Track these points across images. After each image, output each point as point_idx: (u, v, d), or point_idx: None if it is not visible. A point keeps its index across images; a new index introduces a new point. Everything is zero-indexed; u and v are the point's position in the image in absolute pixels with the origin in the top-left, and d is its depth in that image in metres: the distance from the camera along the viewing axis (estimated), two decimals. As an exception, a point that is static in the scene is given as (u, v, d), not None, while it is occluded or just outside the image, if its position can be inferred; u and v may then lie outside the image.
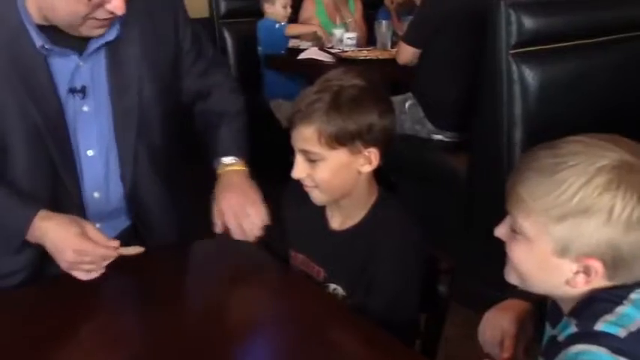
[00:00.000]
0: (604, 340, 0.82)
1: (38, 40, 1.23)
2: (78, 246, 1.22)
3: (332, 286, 1.31)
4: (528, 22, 2.33)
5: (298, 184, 1.30)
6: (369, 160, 1.24)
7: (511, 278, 0.96)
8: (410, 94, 2.99)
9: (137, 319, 1.25)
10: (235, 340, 1.16)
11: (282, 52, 3.73)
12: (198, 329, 1.15)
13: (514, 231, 0.91)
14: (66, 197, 1.34)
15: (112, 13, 1.20)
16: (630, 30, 2.64)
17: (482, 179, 2.54)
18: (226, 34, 4.10)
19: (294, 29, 3.78)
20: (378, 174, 1.31)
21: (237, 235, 1.36)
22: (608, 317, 0.84)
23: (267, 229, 1.38)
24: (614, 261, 0.85)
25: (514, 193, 0.90)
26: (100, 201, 1.39)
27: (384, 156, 1.26)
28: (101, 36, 1.28)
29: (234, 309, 1.27)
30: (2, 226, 1.30)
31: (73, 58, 1.29)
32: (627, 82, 2.60)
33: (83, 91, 1.30)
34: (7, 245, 1.33)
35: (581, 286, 0.88)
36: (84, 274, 1.25)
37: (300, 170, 1.26)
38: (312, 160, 1.24)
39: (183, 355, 1.07)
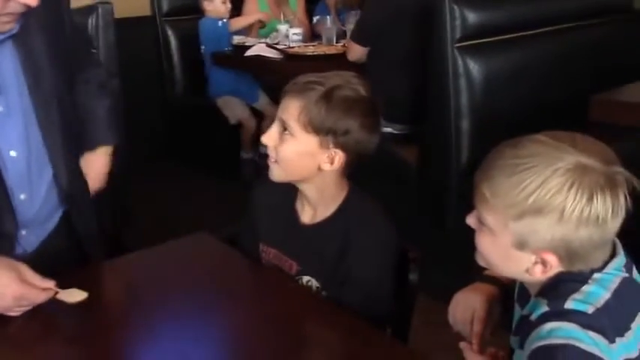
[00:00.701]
0: (573, 316, 0.89)
1: None
2: (18, 292, 1.18)
3: (305, 278, 1.34)
4: (472, 17, 2.41)
5: (266, 177, 1.33)
6: (331, 159, 1.28)
7: (480, 262, 1.03)
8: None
9: (111, 321, 1.25)
10: (212, 338, 1.18)
11: (227, 49, 3.72)
12: (173, 330, 1.16)
13: (480, 222, 0.97)
14: None
15: (25, 5, 1.16)
16: (569, 21, 2.77)
17: (432, 169, 2.61)
18: (169, 33, 4.04)
19: (237, 23, 3.78)
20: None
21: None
22: (576, 296, 0.91)
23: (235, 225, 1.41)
24: (567, 254, 0.92)
25: (479, 189, 0.96)
26: (26, 203, 1.35)
27: (351, 165, 1.31)
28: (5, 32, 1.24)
29: (209, 308, 1.28)
30: None
31: None
32: (567, 70, 2.72)
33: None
34: None
35: (540, 275, 0.95)
36: (17, 313, 1.21)
37: (270, 136, 1.30)
38: (284, 132, 1.28)
39: (159, 356, 1.08)
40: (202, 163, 3.88)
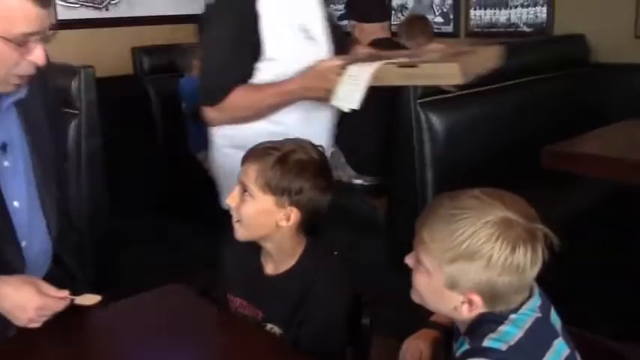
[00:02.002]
0: (489, 353, 1.03)
1: None
2: (39, 303, 1.33)
3: (269, 325, 1.46)
4: (432, 75, 2.59)
5: (231, 233, 1.46)
6: (287, 216, 1.42)
7: (415, 298, 1.16)
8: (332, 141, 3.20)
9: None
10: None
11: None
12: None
13: (418, 262, 1.10)
14: (7, 247, 1.42)
15: (34, 64, 1.30)
16: (526, 74, 2.96)
17: (399, 217, 2.75)
18: (150, 90, 4.21)
19: None
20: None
21: None
22: (493, 335, 1.05)
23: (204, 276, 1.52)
24: (490, 296, 1.06)
25: (419, 234, 1.10)
26: (26, 249, 1.47)
27: (306, 221, 1.44)
28: (12, 94, 1.38)
29: (179, 352, 1.38)
30: None
31: None
32: (524, 121, 2.90)
33: (4, 147, 1.40)
34: None
35: (466, 314, 1.09)
36: (39, 324, 1.35)
37: (232, 198, 1.44)
38: (244, 193, 1.42)
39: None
40: (183, 214, 3.99)
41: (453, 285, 1.06)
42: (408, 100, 2.60)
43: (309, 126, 1.89)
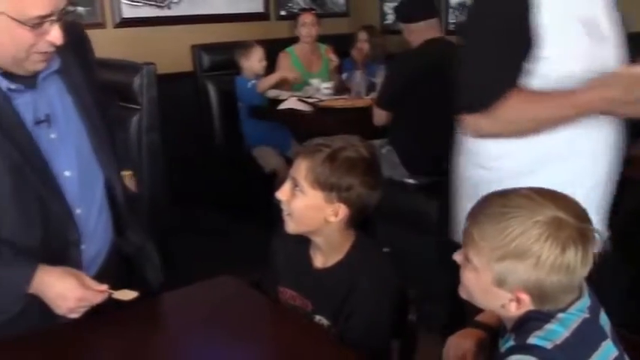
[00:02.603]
0: (534, 350, 1.03)
1: (3, 83, 1.37)
2: (80, 294, 1.40)
3: (317, 317, 1.50)
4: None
5: (283, 226, 1.50)
6: (336, 212, 1.44)
7: (463, 295, 1.17)
8: (386, 140, 3.21)
9: (140, 349, 1.41)
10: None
11: (260, 104, 3.93)
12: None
13: (466, 259, 1.11)
14: (55, 216, 1.47)
15: (52, 44, 1.36)
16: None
17: (451, 216, 2.73)
18: (209, 87, 4.31)
19: (263, 84, 3.92)
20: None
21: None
22: (539, 333, 1.05)
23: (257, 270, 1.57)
24: (539, 295, 1.06)
25: (468, 232, 1.11)
26: (83, 217, 1.53)
27: (355, 218, 1.46)
28: (46, 68, 1.44)
29: (230, 342, 1.43)
30: (2, 283, 1.42)
31: (30, 93, 1.42)
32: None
33: (48, 120, 1.45)
34: (5, 297, 1.45)
35: (514, 311, 1.09)
36: (78, 314, 1.43)
37: (283, 192, 1.48)
38: (295, 188, 1.45)
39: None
40: (238, 209, 4.07)
41: (501, 283, 1.07)
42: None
43: (589, 147, 1.61)
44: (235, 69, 4.02)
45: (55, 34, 1.35)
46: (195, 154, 4.26)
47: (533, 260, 1.03)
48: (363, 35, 4.42)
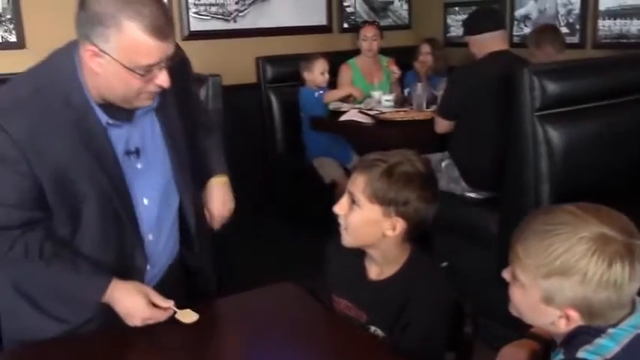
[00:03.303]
0: None
1: (103, 117, 1.46)
2: (147, 315, 1.49)
3: (372, 328, 1.52)
4: (550, 87, 2.54)
5: (339, 237, 1.52)
6: (393, 226, 1.46)
7: (513, 312, 1.17)
8: (447, 154, 3.20)
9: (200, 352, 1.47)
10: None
11: (322, 115, 3.98)
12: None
13: (514, 277, 1.11)
14: (129, 241, 1.57)
15: (159, 86, 1.44)
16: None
17: (511, 231, 2.70)
18: (272, 98, 4.40)
19: (330, 97, 4.01)
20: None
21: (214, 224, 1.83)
22: (588, 347, 1.05)
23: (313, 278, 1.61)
24: (588, 312, 1.06)
25: (514, 249, 1.12)
26: (153, 243, 1.62)
27: (412, 231, 1.48)
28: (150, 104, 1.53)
29: (286, 348, 1.47)
30: (77, 292, 1.54)
31: (126, 127, 1.51)
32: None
33: (137, 152, 1.54)
34: (78, 306, 1.56)
35: (564, 328, 1.09)
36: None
37: (340, 206, 1.51)
38: (353, 203, 1.48)
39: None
40: (298, 218, 4.13)
41: (548, 300, 1.07)
42: (524, 112, 2.55)
43: None
44: (298, 81, 4.10)
45: (162, 78, 1.43)
46: (257, 164, 4.34)
47: (580, 277, 1.03)
48: (426, 48, 4.43)
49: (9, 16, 3.66)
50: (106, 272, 1.52)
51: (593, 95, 2.65)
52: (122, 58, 1.36)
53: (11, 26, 3.67)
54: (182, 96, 1.65)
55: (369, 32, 4.30)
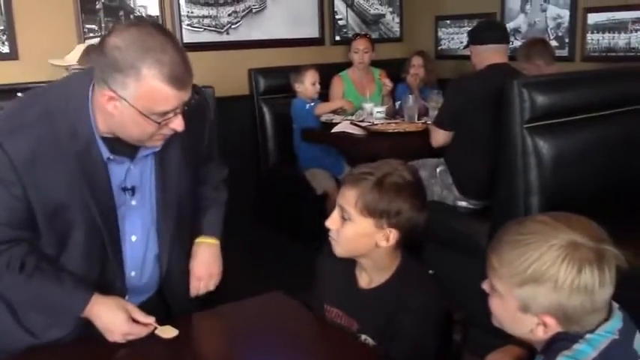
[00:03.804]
0: None
1: (105, 152, 1.46)
2: (126, 331, 1.49)
3: (363, 336, 1.53)
4: (540, 99, 2.57)
5: (330, 245, 1.54)
6: (387, 237, 1.48)
7: (495, 322, 1.20)
8: (442, 160, 3.23)
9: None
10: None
11: (314, 126, 4.00)
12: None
13: (492, 287, 1.13)
14: (111, 275, 1.57)
15: (173, 130, 1.44)
16: (633, 103, 2.85)
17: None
18: (265, 109, 4.42)
19: (321, 109, 4.02)
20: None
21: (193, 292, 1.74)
22: (566, 352, 1.07)
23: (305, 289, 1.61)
24: (564, 318, 1.08)
25: (489, 259, 1.15)
26: (135, 278, 1.63)
27: (404, 240, 1.49)
28: (150, 148, 1.52)
29: (277, 358, 1.48)
30: (58, 305, 1.52)
31: (126, 164, 1.51)
32: (633, 150, 2.79)
33: (133, 189, 1.54)
34: (56, 320, 1.55)
35: (542, 335, 1.11)
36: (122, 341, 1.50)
37: (332, 221, 1.52)
38: (344, 217, 1.48)
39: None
40: (289, 229, 4.14)
41: (525, 308, 1.10)
42: (514, 123, 2.58)
43: None
44: (291, 92, 4.12)
45: (177, 122, 1.42)
46: (250, 175, 4.35)
47: (552, 284, 1.06)
48: (417, 60, 4.46)
49: (2, 28, 3.67)
50: (88, 287, 1.52)
51: (582, 107, 2.68)
52: (139, 105, 1.36)
53: (4, 37, 3.68)
54: (193, 140, 1.63)
55: (360, 45, 4.34)
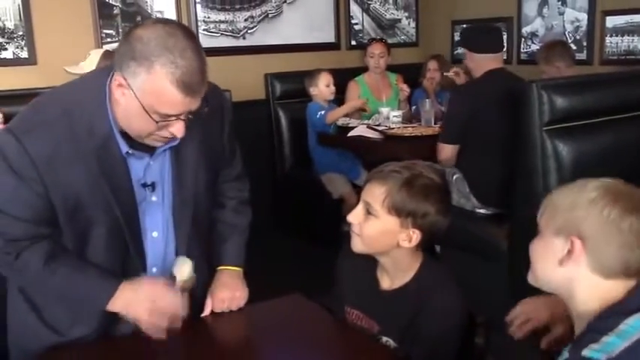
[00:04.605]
0: None
1: (124, 147, 1.45)
2: (154, 320, 1.46)
3: (384, 338, 1.51)
4: (559, 101, 2.55)
5: (350, 247, 1.52)
6: (410, 238, 1.47)
7: (530, 279, 1.25)
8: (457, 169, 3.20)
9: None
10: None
11: (329, 131, 3.98)
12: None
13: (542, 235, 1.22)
14: (133, 272, 1.55)
15: (172, 134, 1.42)
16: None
17: (521, 250, 2.69)
18: (281, 114, 4.42)
19: (332, 117, 3.93)
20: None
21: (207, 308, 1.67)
22: (594, 346, 1.07)
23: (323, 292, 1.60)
24: (593, 245, 1.14)
25: (539, 214, 1.28)
26: (156, 274, 1.61)
27: (425, 242, 1.48)
28: (165, 145, 1.51)
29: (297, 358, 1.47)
30: (85, 297, 1.52)
31: (146, 159, 1.50)
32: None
33: (153, 185, 1.54)
34: (81, 314, 1.55)
35: (569, 263, 1.15)
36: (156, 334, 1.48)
37: (355, 216, 1.50)
38: (368, 213, 1.47)
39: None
40: (306, 233, 4.13)
41: (560, 230, 1.18)
42: (533, 126, 2.56)
43: None
44: (307, 97, 4.11)
45: (177, 128, 1.41)
46: (266, 179, 4.35)
47: (595, 212, 1.13)
48: (433, 64, 4.44)
49: (21, 33, 3.70)
50: (114, 277, 1.51)
51: (602, 110, 2.66)
52: (144, 99, 1.35)
53: (23, 42, 3.72)
54: (212, 138, 1.62)
55: (376, 49, 4.33)
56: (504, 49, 3.33)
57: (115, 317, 1.52)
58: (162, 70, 1.31)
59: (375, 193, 1.46)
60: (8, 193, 1.42)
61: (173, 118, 1.38)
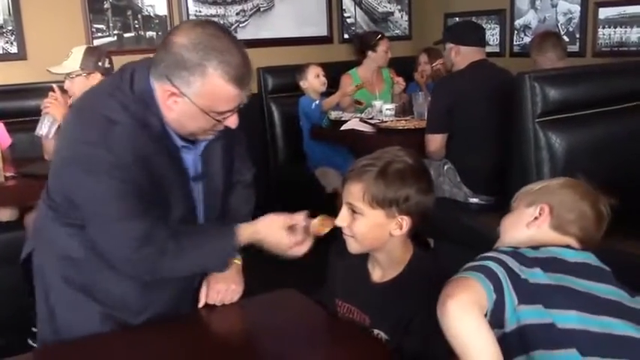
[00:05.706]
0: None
1: (179, 142, 1.50)
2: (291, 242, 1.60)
3: (376, 331, 1.50)
4: (552, 93, 2.54)
5: (342, 240, 1.51)
6: (400, 225, 1.46)
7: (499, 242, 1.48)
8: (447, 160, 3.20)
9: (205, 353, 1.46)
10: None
11: (322, 124, 3.98)
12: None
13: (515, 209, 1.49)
14: None
15: (228, 126, 1.47)
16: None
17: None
18: (273, 108, 4.41)
19: (328, 103, 3.98)
20: (415, 235, 1.52)
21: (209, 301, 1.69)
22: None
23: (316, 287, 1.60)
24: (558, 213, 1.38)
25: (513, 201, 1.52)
26: None
27: (417, 225, 1.48)
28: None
29: (289, 351, 1.45)
30: (213, 250, 1.57)
31: (195, 152, 1.56)
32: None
33: (202, 176, 1.59)
34: (216, 259, 1.59)
35: (538, 223, 1.38)
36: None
37: (342, 219, 1.49)
38: (354, 213, 1.47)
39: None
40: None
41: (532, 202, 1.42)
42: (526, 118, 2.55)
43: None
44: (299, 91, 4.11)
45: (232, 120, 1.46)
46: (259, 174, 4.32)
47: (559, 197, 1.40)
48: (424, 58, 4.43)
49: (10, 28, 3.68)
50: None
51: (595, 101, 2.65)
52: (200, 103, 1.39)
53: (12, 37, 3.69)
54: (228, 137, 1.64)
55: (386, 45, 4.28)
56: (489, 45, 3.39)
57: (183, 296, 1.62)
58: (215, 72, 1.36)
59: (354, 192, 1.46)
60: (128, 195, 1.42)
61: (229, 113, 1.43)
